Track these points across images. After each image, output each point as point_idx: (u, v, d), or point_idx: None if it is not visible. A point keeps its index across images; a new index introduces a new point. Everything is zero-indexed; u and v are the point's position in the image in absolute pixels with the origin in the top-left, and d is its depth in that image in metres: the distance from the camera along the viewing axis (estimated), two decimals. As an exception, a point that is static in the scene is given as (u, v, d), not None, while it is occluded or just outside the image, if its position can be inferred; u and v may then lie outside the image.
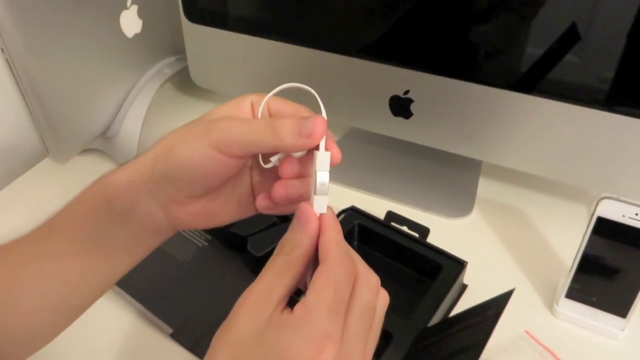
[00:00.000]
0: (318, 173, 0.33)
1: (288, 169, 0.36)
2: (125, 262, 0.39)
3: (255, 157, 0.38)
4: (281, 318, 0.31)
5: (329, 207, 0.34)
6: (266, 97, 0.36)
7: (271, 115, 0.37)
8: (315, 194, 0.33)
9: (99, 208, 0.36)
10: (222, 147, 0.34)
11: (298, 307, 0.31)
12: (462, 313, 0.46)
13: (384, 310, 0.33)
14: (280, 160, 0.36)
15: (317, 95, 0.35)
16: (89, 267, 0.38)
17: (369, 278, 0.33)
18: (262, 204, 0.37)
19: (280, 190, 0.35)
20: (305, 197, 0.35)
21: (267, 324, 0.30)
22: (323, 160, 0.34)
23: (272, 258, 0.33)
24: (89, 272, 0.38)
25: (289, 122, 0.34)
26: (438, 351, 0.42)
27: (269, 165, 0.37)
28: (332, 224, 0.33)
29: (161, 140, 0.36)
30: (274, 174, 0.37)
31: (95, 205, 0.37)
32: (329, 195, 0.34)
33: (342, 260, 0.32)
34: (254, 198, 0.38)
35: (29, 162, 0.74)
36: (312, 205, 0.33)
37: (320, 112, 0.36)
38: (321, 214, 0.34)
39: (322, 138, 0.34)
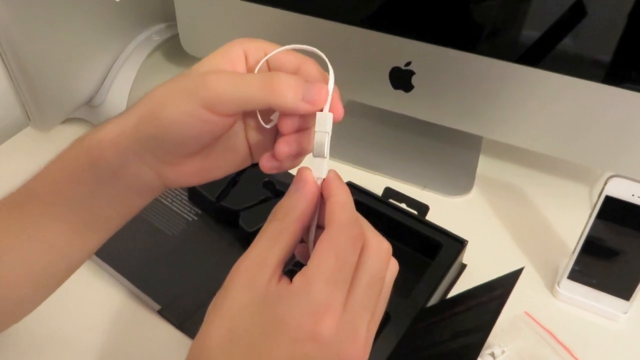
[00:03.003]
0: (317, 134, 0.31)
1: (289, 124, 0.33)
2: (112, 223, 0.37)
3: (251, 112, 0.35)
4: (278, 288, 0.29)
5: (334, 171, 0.32)
6: (266, 57, 0.34)
7: (270, 68, 0.34)
8: (313, 156, 0.31)
9: (83, 170, 0.34)
10: (211, 106, 0.31)
11: (297, 277, 0.29)
12: (464, 293, 0.44)
13: (392, 279, 0.31)
14: (279, 115, 0.34)
15: (324, 57, 0.33)
16: (75, 231, 0.36)
17: (380, 245, 0.30)
18: (268, 165, 0.34)
19: (283, 147, 0.33)
20: (310, 149, 0.33)
21: (263, 294, 0.28)
22: (324, 122, 0.31)
23: (265, 225, 0.31)
24: (74, 236, 0.36)
25: (291, 80, 0.31)
26: (439, 332, 0.40)
27: (270, 125, 0.35)
28: (338, 188, 0.31)
29: (146, 97, 0.33)
30: (272, 128, 0.35)
31: (77, 168, 0.34)
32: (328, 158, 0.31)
33: (345, 225, 0.29)
34: (249, 148, 0.36)
35: (9, 131, 0.71)
36: (310, 170, 0.31)
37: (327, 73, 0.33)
38: (324, 179, 0.31)
39: (324, 104, 0.32)
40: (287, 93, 0.31)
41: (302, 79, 0.31)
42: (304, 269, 0.29)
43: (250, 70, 0.34)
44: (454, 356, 0.36)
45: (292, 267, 0.34)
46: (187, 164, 0.35)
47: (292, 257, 0.32)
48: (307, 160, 0.33)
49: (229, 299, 0.29)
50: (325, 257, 0.29)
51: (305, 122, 0.33)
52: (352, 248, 0.29)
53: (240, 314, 0.28)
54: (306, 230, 0.32)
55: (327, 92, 0.32)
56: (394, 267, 0.31)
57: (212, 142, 0.33)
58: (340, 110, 0.32)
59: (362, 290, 0.29)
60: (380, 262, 0.30)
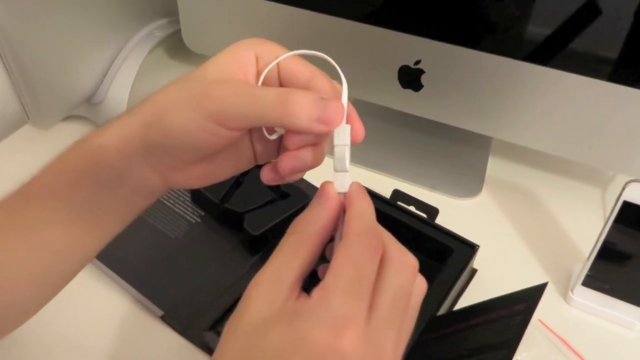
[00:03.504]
0: (337, 148, 0.30)
1: (295, 141, 0.32)
2: (114, 225, 0.35)
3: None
4: (296, 304, 0.27)
5: (357, 183, 0.31)
6: (277, 60, 0.32)
7: (281, 76, 0.33)
8: (335, 170, 0.30)
9: (84, 174, 0.32)
10: (220, 120, 0.29)
11: (315, 291, 0.27)
12: (481, 304, 0.43)
13: (421, 299, 0.30)
14: (286, 131, 0.32)
15: (338, 68, 0.32)
16: (76, 235, 0.34)
17: (405, 259, 0.29)
18: (268, 177, 0.33)
19: (287, 163, 0.32)
20: (314, 165, 0.32)
21: (281, 311, 0.27)
22: (343, 134, 0.30)
23: (284, 237, 0.29)
24: (75, 241, 0.34)
25: (305, 99, 0.29)
26: (455, 344, 0.39)
27: (273, 137, 0.33)
28: (357, 199, 0.30)
29: (151, 100, 0.31)
30: (277, 140, 0.34)
31: (78, 172, 0.33)
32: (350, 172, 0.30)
33: (362, 234, 0.28)
34: (253, 151, 0.35)
35: (8, 129, 0.69)
36: (333, 184, 0.30)
37: (339, 82, 0.32)
38: (346, 193, 0.30)
39: (340, 124, 0.30)
40: (302, 113, 0.29)
41: (318, 96, 0.30)
42: (322, 282, 0.27)
43: (259, 74, 0.32)
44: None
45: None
46: (193, 168, 0.33)
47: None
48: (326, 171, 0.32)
49: (247, 315, 0.27)
50: (342, 268, 0.27)
51: (312, 138, 0.32)
52: (369, 258, 0.28)
53: (256, 331, 0.27)
54: (329, 247, 0.31)
55: (343, 110, 0.30)
56: (421, 285, 0.30)
57: (219, 151, 0.32)
58: (360, 128, 0.31)
59: (386, 305, 0.27)
60: (405, 276, 0.28)
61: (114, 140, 0.32)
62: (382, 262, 0.28)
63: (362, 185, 0.31)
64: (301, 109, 0.29)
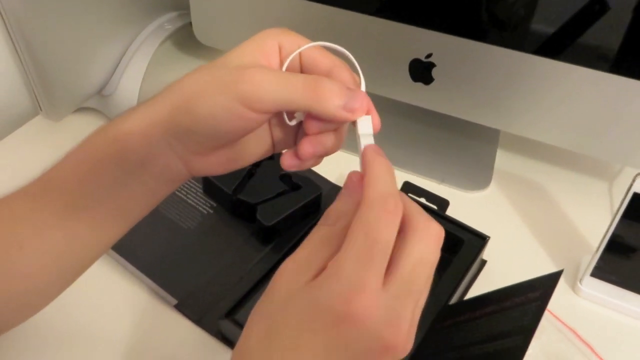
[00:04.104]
0: (362, 137, 0.31)
1: (315, 126, 0.32)
2: (136, 212, 0.36)
3: None
4: (314, 280, 0.28)
5: (372, 146, 0.31)
6: (300, 49, 0.33)
7: (302, 64, 0.34)
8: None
9: (109, 161, 0.33)
10: (249, 102, 0.30)
11: (329, 264, 0.27)
12: (496, 292, 0.43)
13: (434, 270, 0.29)
14: (306, 115, 0.33)
15: (356, 63, 0.33)
16: (98, 221, 0.35)
17: (429, 227, 0.28)
18: (289, 163, 0.33)
19: (308, 148, 0.32)
20: (334, 150, 0.33)
21: (301, 288, 0.28)
22: (366, 124, 0.31)
23: (316, 227, 0.30)
24: (97, 226, 0.35)
25: (334, 87, 0.30)
26: (471, 331, 0.40)
27: (293, 122, 0.34)
28: (372, 163, 0.29)
29: (177, 87, 0.32)
30: (295, 128, 0.35)
31: (103, 158, 0.33)
32: None
33: (377, 198, 0.27)
34: (272, 138, 0.36)
35: (20, 120, 0.69)
36: (360, 173, 0.31)
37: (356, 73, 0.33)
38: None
39: (364, 113, 0.31)
40: (330, 100, 0.30)
41: (344, 85, 0.31)
42: (336, 254, 0.27)
43: (283, 64, 0.33)
44: (494, 359, 0.36)
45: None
46: (215, 154, 0.34)
47: None
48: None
49: (267, 300, 0.28)
50: (353, 235, 0.27)
51: (331, 123, 0.33)
52: (385, 222, 0.27)
53: (278, 310, 0.28)
54: None
55: (368, 100, 0.31)
56: (437, 256, 0.29)
57: (244, 135, 0.33)
58: (377, 119, 0.32)
59: (406, 274, 0.27)
60: (427, 245, 0.28)
61: (139, 126, 0.32)
62: (404, 229, 0.28)
63: (377, 147, 0.31)
64: (330, 96, 0.30)
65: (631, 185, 0.46)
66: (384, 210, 0.27)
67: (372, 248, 0.27)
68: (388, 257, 0.27)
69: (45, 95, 0.65)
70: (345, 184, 0.31)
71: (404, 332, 0.27)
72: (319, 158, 0.34)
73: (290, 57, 0.33)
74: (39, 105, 0.66)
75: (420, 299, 0.28)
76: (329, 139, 0.33)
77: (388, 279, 0.27)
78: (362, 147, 0.31)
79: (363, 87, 0.33)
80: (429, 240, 0.28)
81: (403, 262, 0.27)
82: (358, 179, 0.30)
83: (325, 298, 0.26)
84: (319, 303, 0.27)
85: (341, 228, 0.29)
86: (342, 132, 0.33)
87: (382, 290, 0.26)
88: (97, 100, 0.70)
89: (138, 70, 0.69)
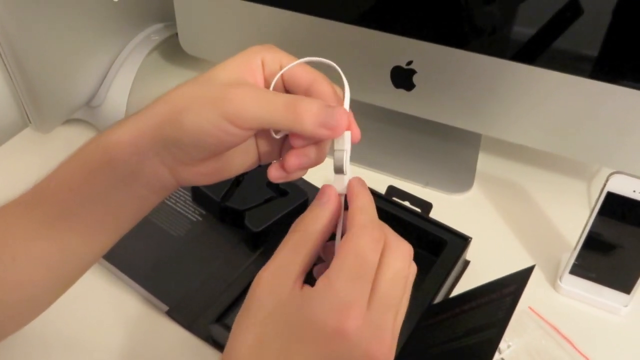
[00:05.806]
0: (336, 153, 0.32)
1: (300, 140, 0.34)
2: (126, 221, 0.37)
3: None
4: (302, 293, 0.30)
5: (357, 178, 0.33)
6: (282, 71, 0.34)
7: (284, 80, 0.35)
8: (335, 173, 0.32)
9: (100, 170, 0.34)
10: (235, 120, 0.31)
11: (320, 280, 0.30)
12: (473, 290, 0.45)
13: (412, 282, 0.32)
14: None
15: (342, 73, 0.34)
16: (90, 230, 0.36)
17: (402, 246, 0.32)
18: (276, 175, 0.35)
19: (294, 161, 0.34)
20: (318, 162, 0.35)
21: (288, 299, 0.29)
22: (342, 140, 0.32)
23: (287, 235, 0.32)
24: (89, 236, 0.36)
25: (313, 107, 0.32)
26: (451, 328, 0.41)
27: (279, 135, 0.35)
28: (358, 194, 0.32)
29: (166, 99, 0.33)
30: (280, 141, 0.36)
31: (94, 168, 0.34)
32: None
33: (365, 227, 0.31)
34: (258, 151, 0.37)
35: (9, 132, 0.70)
36: (333, 186, 0.33)
37: (341, 86, 0.34)
38: (348, 187, 0.33)
39: (344, 130, 0.33)
40: (309, 120, 0.31)
41: (324, 104, 0.32)
42: (326, 271, 0.29)
43: (266, 80, 0.34)
44: (470, 351, 0.37)
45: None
46: (203, 165, 0.35)
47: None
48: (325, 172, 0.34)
49: (254, 308, 0.30)
50: (345, 256, 0.30)
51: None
52: (372, 248, 0.30)
53: (267, 319, 0.29)
54: (324, 247, 0.33)
55: (347, 117, 0.32)
56: (413, 269, 0.32)
57: (230, 148, 0.34)
58: (357, 131, 0.33)
59: (385, 288, 0.30)
60: (402, 260, 0.31)
61: (129, 137, 0.33)
62: (382, 251, 0.31)
63: (362, 180, 0.33)
64: (308, 116, 0.31)
65: (605, 184, 0.48)
66: (371, 236, 0.30)
67: (362, 267, 0.30)
68: (373, 276, 0.30)
69: (34, 108, 0.65)
70: (319, 194, 0.33)
71: (388, 345, 0.30)
72: (303, 170, 0.35)
73: (276, 78, 0.34)
74: (28, 118, 0.67)
75: (400, 310, 0.31)
76: (312, 152, 0.34)
77: (371, 296, 0.30)
78: (335, 162, 0.33)
79: (347, 98, 0.34)
80: (402, 258, 0.31)
81: (382, 277, 0.30)
82: (333, 194, 0.33)
83: (318, 312, 0.29)
84: (311, 316, 0.29)
85: (312, 233, 0.31)
86: (325, 145, 0.35)
87: (367, 307, 0.29)
88: (86, 112, 0.71)
89: (126, 81, 0.70)
